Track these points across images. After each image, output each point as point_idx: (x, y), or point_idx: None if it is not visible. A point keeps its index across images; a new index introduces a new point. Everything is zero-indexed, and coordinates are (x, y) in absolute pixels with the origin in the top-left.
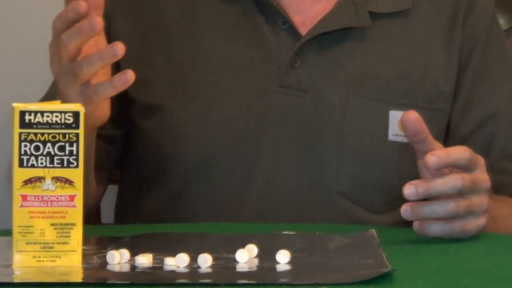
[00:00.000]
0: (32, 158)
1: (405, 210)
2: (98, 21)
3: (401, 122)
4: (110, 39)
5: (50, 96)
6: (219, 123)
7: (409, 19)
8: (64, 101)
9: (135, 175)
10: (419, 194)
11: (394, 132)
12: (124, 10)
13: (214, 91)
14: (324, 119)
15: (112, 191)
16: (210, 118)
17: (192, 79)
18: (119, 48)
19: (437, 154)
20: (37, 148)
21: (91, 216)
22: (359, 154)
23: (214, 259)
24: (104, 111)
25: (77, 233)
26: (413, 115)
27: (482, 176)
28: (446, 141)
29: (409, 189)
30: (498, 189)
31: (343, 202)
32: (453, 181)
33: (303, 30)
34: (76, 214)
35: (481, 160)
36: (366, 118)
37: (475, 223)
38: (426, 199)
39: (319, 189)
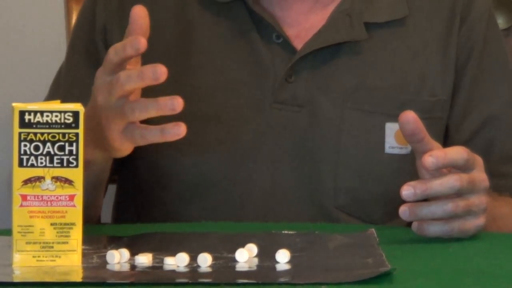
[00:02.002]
0: (32, 157)
1: (403, 211)
2: (163, 71)
3: (398, 123)
4: (107, 50)
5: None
6: (214, 140)
7: (405, 27)
8: (104, 132)
9: (133, 187)
10: (417, 195)
11: (391, 145)
12: (121, 23)
13: (209, 107)
14: (320, 134)
15: (112, 190)
16: (204, 136)
17: (187, 95)
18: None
19: (435, 155)
20: (36, 148)
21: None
22: (356, 168)
23: (214, 258)
24: (130, 147)
25: (77, 233)
26: (411, 116)
27: (480, 175)
28: (445, 147)
29: (407, 190)
30: (500, 192)
31: (340, 216)
32: (451, 181)
33: (298, 43)
34: (76, 213)
35: (479, 160)
36: (363, 131)
37: (474, 223)
38: (426, 199)
39: (316, 204)
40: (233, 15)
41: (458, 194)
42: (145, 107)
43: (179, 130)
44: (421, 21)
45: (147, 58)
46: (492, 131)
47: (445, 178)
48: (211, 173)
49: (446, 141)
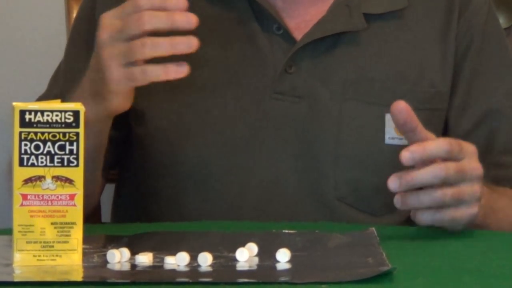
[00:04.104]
0: (32, 157)
1: (396, 200)
2: (195, 19)
3: (390, 113)
4: None
5: (49, 95)
6: (214, 130)
7: (404, 18)
8: (104, 72)
9: (132, 178)
10: (402, 185)
11: (391, 135)
12: None
13: (209, 98)
14: (320, 125)
15: (112, 190)
16: (204, 126)
17: (185, 86)
18: (194, 43)
19: (412, 149)
20: (37, 147)
21: (91, 215)
22: (356, 159)
23: (214, 257)
24: (129, 99)
25: (77, 232)
26: (402, 105)
27: (471, 164)
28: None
29: (392, 182)
30: (499, 183)
31: (341, 207)
32: (436, 170)
33: (298, 35)
34: (76, 213)
35: (470, 149)
36: (363, 122)
37: (466, 212)
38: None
39: (317, 195)
40: (234, 6)
41: (448, 183)
42: (158, 44)
43: (182, 68)
44: (420, 13)
45: None
46: (493, 123)
47: (429, 168)
48: (210, 164)
49: (446, 134)
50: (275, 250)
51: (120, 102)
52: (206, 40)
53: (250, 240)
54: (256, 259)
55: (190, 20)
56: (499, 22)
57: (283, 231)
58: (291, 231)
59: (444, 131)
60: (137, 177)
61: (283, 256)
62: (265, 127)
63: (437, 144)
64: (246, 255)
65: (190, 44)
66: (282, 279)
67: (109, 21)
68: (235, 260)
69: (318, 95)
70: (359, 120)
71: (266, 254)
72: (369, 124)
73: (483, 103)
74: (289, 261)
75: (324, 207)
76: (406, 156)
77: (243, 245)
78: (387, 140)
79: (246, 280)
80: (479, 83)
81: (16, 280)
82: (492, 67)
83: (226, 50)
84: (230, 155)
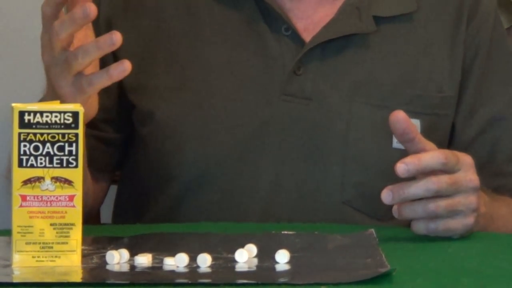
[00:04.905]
0: (32, 158)
1: (394, 210)
2: (92, 8)
3: (389, 123)
4: None
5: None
6: (221, 131)
7: (413, 22)
8: (55, 92)
9: (135, 180)
10: (395, 199)
11: None
12: (126, 14)
13: (216, 99)
14: (328, 127)
15: (112, 191)
16: (212, 127)
17: (194, 87)
18: (117, 37)
19: (407, 161)
20: (36, 148)
21: (90, 216)
22: (363, 162)
23: (214, 259)
24: (92, 106)
25: (76, 233)
26: (401, 115)
27: (467, 176)
28: (451, 146)
29: (385, 194)
30: (500, 191)
31: (347, 211)
32: (428, 184)
33: (307, 36)
34: (75, 214)
35: (466, 160)
36: (371, 125)
37: (461, 222)
38: None
39: (323, 198)
40: (241, 7)
41: (441, 195)
42: (86, 50)
43: (124, 67)
44: (429, 18)
45: (156, 52)
46: (498, 131)
47: (422, 181)
48: (216, 165)
49: (451, 141)
50: (275, 251)
51: (85, 111)
52: (214, 42)
53: (250, 241)
54: (256, 260)
55: (87, 11)
56: (504, 29)
57: (283, 232)
58: (290, 232)
59: (450, 137)
60: (140, 178)
61: (282, 257)
62: (273, 128)
63: (432, 156)
64: (245, 256)
65: (112, 40)
66: (282, 280)
67: (44, 41)
68: (234, 261)
69: (326, 97)
70: (367, 123)
71: (266, 255)
72: (377, 128)
73: (488, 111)
74: (288, 262)
75: (329, 210)
76: (401, 168)
77: (242, 246)
78: (395, 144)
79: (245, 281)
80: (485, 90)
81: (15, 281)
82: (499, 75)
83: (234, 51)
84: (237, 157)
